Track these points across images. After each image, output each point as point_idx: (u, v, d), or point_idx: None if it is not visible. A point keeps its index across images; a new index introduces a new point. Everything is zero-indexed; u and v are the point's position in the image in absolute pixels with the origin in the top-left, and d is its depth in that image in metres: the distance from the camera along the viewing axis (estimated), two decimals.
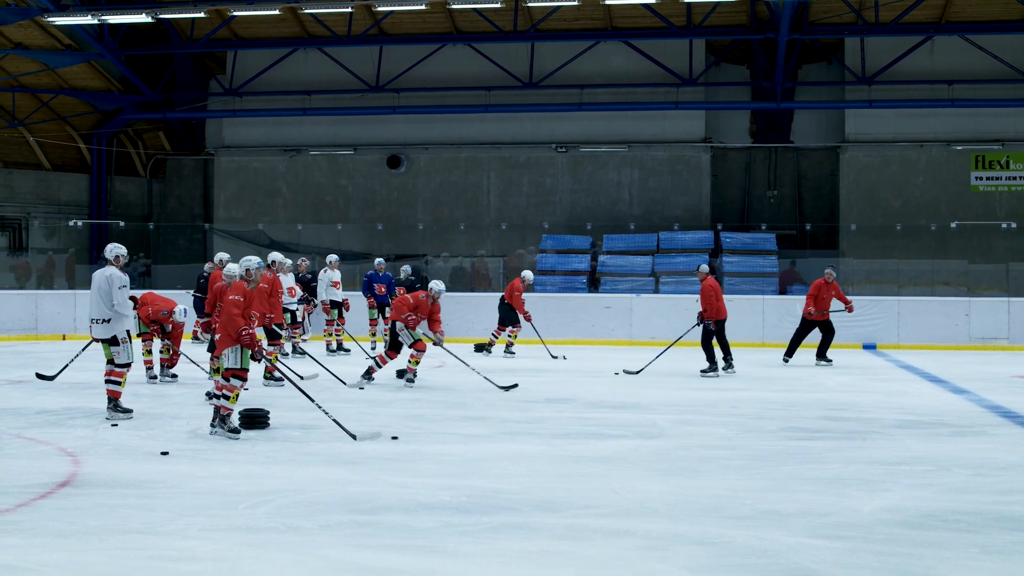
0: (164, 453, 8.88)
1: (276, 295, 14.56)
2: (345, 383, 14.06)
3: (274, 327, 14.53)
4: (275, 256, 15.18)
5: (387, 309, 19.55)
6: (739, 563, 5.74)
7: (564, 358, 18.98)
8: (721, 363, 16.58)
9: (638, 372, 15.99)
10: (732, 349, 16.92)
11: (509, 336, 19.67)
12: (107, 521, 6.57)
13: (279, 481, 7.82)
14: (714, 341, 16.53)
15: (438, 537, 6.24)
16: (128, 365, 10.98)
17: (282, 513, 6.80)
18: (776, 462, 8.79)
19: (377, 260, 20.83)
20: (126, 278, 11.16)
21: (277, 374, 14.27)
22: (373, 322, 20.51)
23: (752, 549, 6.00)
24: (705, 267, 17.09)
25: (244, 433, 9.88)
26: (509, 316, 19.63)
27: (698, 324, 16.54)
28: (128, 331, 11.04)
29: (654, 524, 6.57)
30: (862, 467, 8.55)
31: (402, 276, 21.44)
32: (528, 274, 20.04)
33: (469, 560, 5.80)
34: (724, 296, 16.84)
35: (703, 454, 9.11)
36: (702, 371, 16.32)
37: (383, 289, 20.35)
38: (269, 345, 14.48)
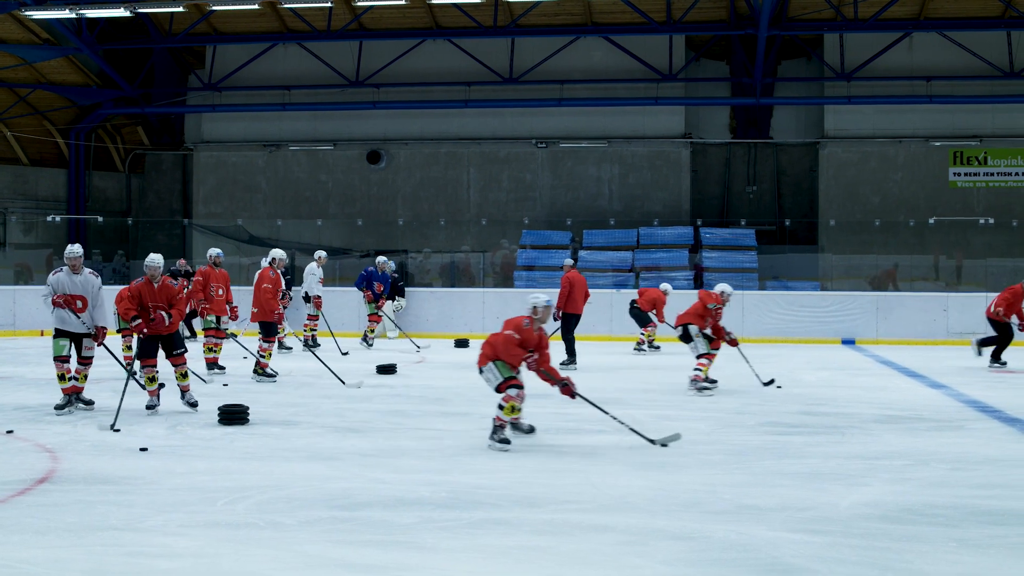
0: (143, 449, 8.85)
1: (276, 295, 14.70)
2: (344, 382, 13.97)
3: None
4: (277, 253, 15.25)
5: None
6: (718, 557, 5.76)
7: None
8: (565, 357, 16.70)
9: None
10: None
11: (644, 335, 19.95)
12: (86, 518, 6.54)
13: (258, 477, 7.81)
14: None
15: (418, 533, 6.24)
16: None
17: (261, 509, 6.79)
18: (755, 457, 8.82)
19: (380, 258, 20.69)
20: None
21: (269, 370, 14.33)
22: (373, 317, 20.37)
23: (731, 544, 6.02)
24: (569, 261, 17.39)
25: (223, 429, 9.86)
26: (642, 317, 19.88)
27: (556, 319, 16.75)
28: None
29: (633, 519, 6.58)
30: (840, 462, 8.59)
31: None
32: (667, 286, 20.40)
33: (449, 556, 5.80)
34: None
35: (682, 449, 9.13)
36: (562, 363, 16.42)
37: (381, 288, 20.30)
38: (265, 342, 14.54)
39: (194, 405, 10.97)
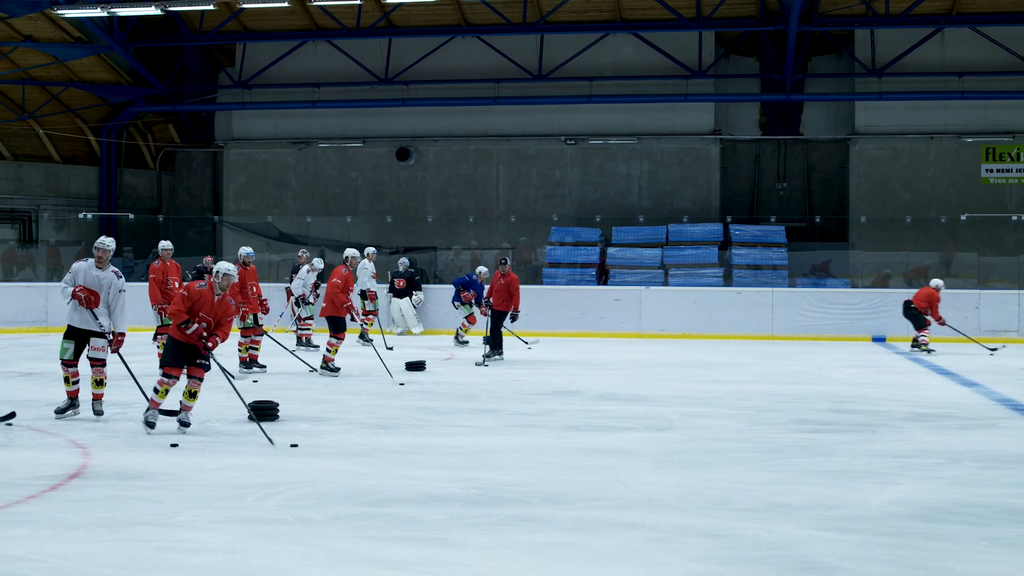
0: (173, 445, 8.89)
1: (347, 290, 15.05)
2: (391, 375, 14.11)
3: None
4: (350, 252, 15.61)
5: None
6: (748, 555, 5.74)
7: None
8: (486, 349, 16.88)
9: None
10: (734, 341, 16.90)
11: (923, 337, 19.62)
12: (117, 513, 6.58)
13: (288, 473, 7.83)
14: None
15: (446, 529, 6.24)
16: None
17: (291, 505, 6.81)
18: (785, 455, 8.78)
19: (480, 269, 20.41)
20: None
21: (333, 365, 14.59)
22: (470, 318, 20.25)
23: (761, 542, 6.00)
24: (507, 263, 17.55)
25: (252, 425, 9.90)
26: (918, 318, 19.65)
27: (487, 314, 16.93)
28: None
29: (662, 517, 6.57)
30: (871, 460, 8.54)
31: (400, 269, 21.48)
32: (939, 282, 20.11)
33: (477, 552, 5.81)
34: (734, 287, 16.87)
35: (712, 447, 9.11)
36: (485, 356, 16.62)
37: (473, 296, 20.10)
38: (333, 337, 14.68)
39: (186, 425, 9.79)
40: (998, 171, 28.40)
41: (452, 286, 20.48)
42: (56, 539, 5.99)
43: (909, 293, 22.39)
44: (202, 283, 9.91)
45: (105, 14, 24.24)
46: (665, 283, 24.98)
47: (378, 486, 7.41)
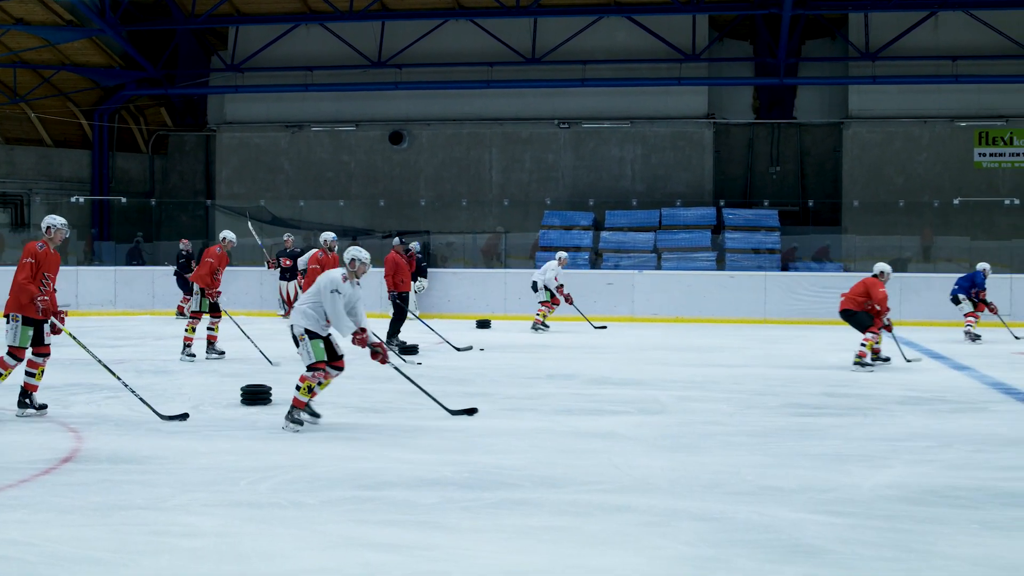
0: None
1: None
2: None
3: None
4: (327, 236, 15.43)
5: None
6: (740, 539, 5.75)
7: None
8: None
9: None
10: (727, 325, 16.87)
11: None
12: (110, 497, 6.58)
13: (281, 457, 7.84)
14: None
15: (440, 513, 6.25)
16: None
17: (284, 489, 6.82)
18: (778, 438, 8.80)
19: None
20: None
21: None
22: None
23: (753, 525, 6.02)
24: (397, 241, 17.59)
25: (245, 409, 9.90)
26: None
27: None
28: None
29: (656, 500, 6.58)
30: (863, 443, 8.57)
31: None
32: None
33: (471, 536, 5.82)
34: (727, 271, 16.83)
35: (705, 430, 9.13)
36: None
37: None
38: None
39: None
40: (991, 155, 28.43)
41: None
42: (49, 523, 5.99)
43: (907, 277, 22.47)
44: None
45: None
46: (658, 267, 25.01)
47: (371, 470, 7.42)
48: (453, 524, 6.02)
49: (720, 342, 18.13)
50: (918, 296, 22.15)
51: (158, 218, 31.44)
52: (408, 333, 16.78)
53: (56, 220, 9.93)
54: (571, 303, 20.07)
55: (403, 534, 5.84)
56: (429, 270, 23.80)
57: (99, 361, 9.96)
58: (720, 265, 25.17)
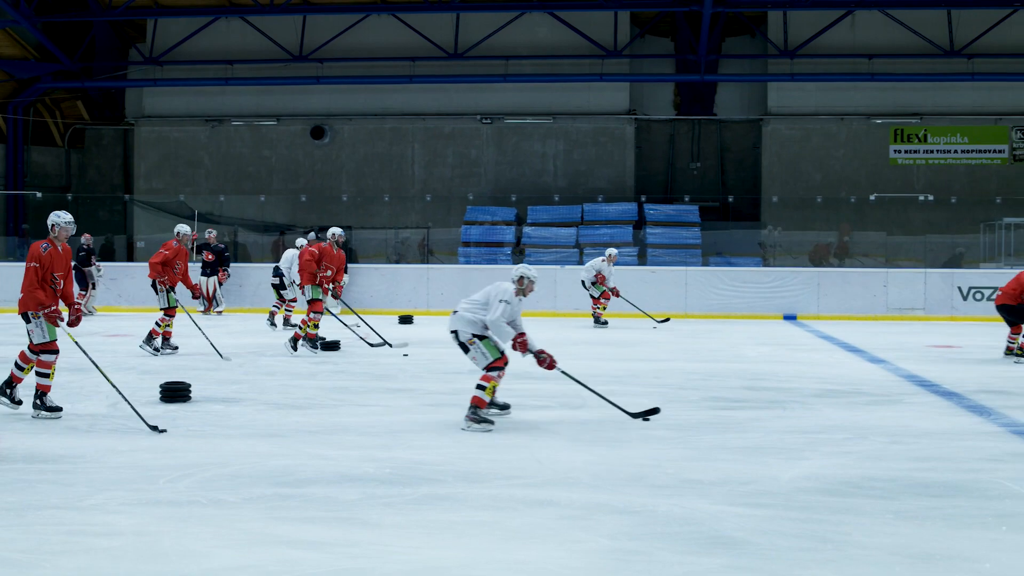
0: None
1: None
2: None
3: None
4: (182, 228, 15.25)
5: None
6: (661, 531, 5.80)
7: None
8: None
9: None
10: (648, 321, 16.91)
11: None
12: (25, 496, 6.47)
13: (201, 454, 7.76)
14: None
15: (361, 509, 6.23)
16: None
17: (204, 487, 6.75)
18: (698, 432, 8.88)
19: (611, 250, 20.50)
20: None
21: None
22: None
23: (674, 517, 6.07)
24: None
25: (165, 406, 9.79)
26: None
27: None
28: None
29: (577, 494, 6.61)
30: (782, 436, 8.68)
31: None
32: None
33: (393, 532, 5.80)
34: (649, 266, 16.95)
35: (626, 424, 9.18)
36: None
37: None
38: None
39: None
40: (906, 152, 28.95)
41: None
42: None
43: (824, 272, 22.79)
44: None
45: None
46: (580, 262, 25.09)
47: (292, 467, 7.36)
48: (375, 520, 6.00)
49: (642, 337, 18.24)
50: (836, 290, 22.46)
51: (75, 213, 30.82)
52: (332, 327, 16.69)
53: (60, 217, 9.80)
54: (618, 295, 20.04)
55: (324, 531, 5.81)
56: (351, 266, 23.65)
57: (96, 366, 9.77)
58: (641, 260, 25.35)
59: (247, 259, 27.08)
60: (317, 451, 7.93)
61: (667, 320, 20.63)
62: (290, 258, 18.92)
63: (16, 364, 9.54)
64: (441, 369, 13.37)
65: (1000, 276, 22.72)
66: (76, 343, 9.90)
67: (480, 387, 9.00)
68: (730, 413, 9.95)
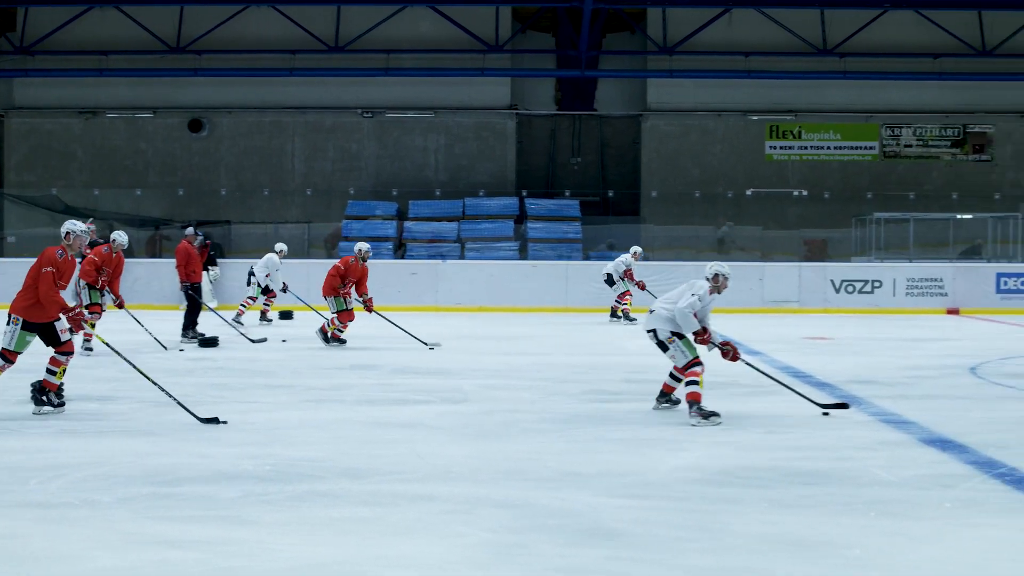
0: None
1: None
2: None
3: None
4: (362, 246, 15.67)
5: None
6: (541, 524, 5.83)
7: None
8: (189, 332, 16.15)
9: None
10: (531, 314, 17.04)
11: None
12: None
13: (74, 454, 7.58)
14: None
15: (241, 507, 6.15)
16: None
17: (77, 487, 6.59)
18: (578, 424, 8.95)
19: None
20: None
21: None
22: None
23: (554, 510, 6.11)
24: (190, 229, 17.48)
25: (36, 407, 9.55)
26: None
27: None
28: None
29: (458, 488, 6.62)
30: (661, 428, 8.79)
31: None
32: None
33: (272, 529, 5.74)
34: (530, 260, 17.02)
35: (508, 418, 9.22)
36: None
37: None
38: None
39: None
40: (781, 148, 29.56)
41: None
42: None
43: (700, 266, 23.11)
44: None
45: None
46: (462, 257, 25.16)
47: (169, 465, 7.24)
48: (254, 518, 5.94)
49: (524, 331, 18.34)
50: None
51: None
52: (210, 324, 16.47)
53: (77, 226, 9.56)
54: (644, 289, 20.04)
55: (202, 530, 5.73)
56: (231, 261, 23.36)
57: (131, 363, 9.51)
58: (523, 255, 25.48)
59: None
60: (195, 449, 7.81)
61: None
62: (264, 261, 19.51)
63: (47, 370, 9.29)
64: (321, 364, 13.28)
65: (871, 270, 23.40)
66: (107, 344, 10.02)
67: (692, 383, 9.04)
68: (610, 406, 10.05)
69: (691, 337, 9.27)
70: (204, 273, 21.72)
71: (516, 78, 29.82)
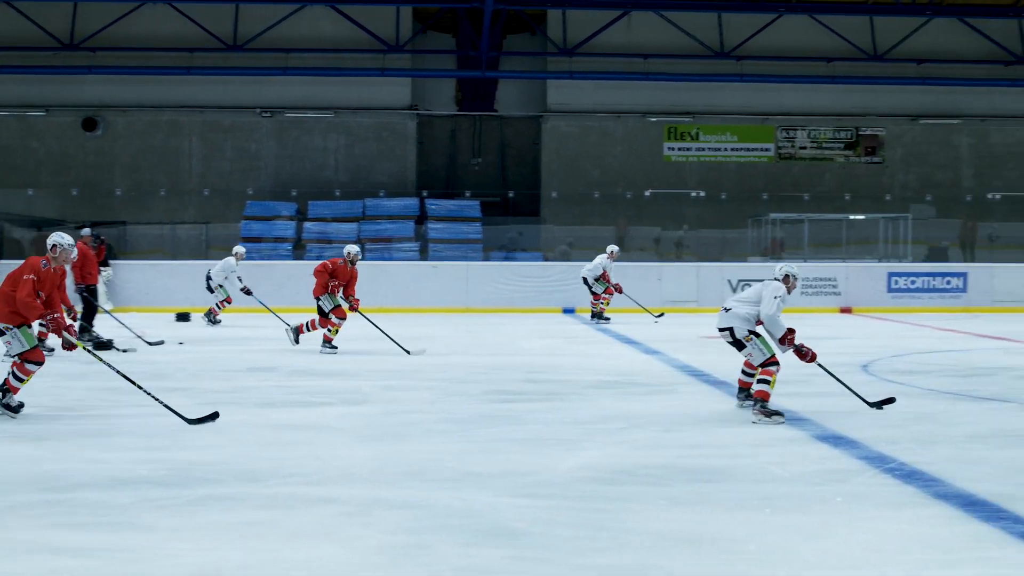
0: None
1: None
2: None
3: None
4: (351, 248, 16.06)
5: None
6: (441, 524, 5.83)
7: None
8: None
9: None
10: (432, 315, 17.03)
11: None
12: None
13: None
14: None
15: (136, 512, 6.06)
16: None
17: None
18: (478, 424, 8.97)
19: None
20: None
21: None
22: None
23: (454, 510, 6.11)
24: (87, 231, 17.48)
25: None
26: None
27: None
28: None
29: (357, 490, 6.60)
30: (560, 427, 8.84)
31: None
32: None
33: (168, 535, 5.66)
34: (430, 261, 17.02)
35: (407, 419, 9.20)
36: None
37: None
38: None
39: None
40: (679, 149, 29.92)
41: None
42: None
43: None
44: None
45: None
46: (361, 257, 24.97)
47: (62, 471, 7.10)
48: (150, 524, 5.85)
49: (424, 331, 18.30)
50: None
51: None
52: (106, 326, 16.17)
53: (64, 239, 9.36)
54: (620, 292, 20.19)
55: (96, 537, 5.63)
56: (125, 262, 22.97)
57: (116, 370, 9.23)
58: (423, 255, 25.46)
59: (16, 256, 25.94)
60: (88, 454, 7.67)
61: (662, 315, 20.83)
62: (221, 265, 19.54)
63: (13, 374, 9.14)
64: (219, 367, 13.14)
65: (767, 269, 23.74)
66: (90, 352, 10.00)
67: (763, 381, 9.09)
68: (510, 406, 10.09)
69: (766, 336, 9.38)
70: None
71: (417, 78, 29.79)
